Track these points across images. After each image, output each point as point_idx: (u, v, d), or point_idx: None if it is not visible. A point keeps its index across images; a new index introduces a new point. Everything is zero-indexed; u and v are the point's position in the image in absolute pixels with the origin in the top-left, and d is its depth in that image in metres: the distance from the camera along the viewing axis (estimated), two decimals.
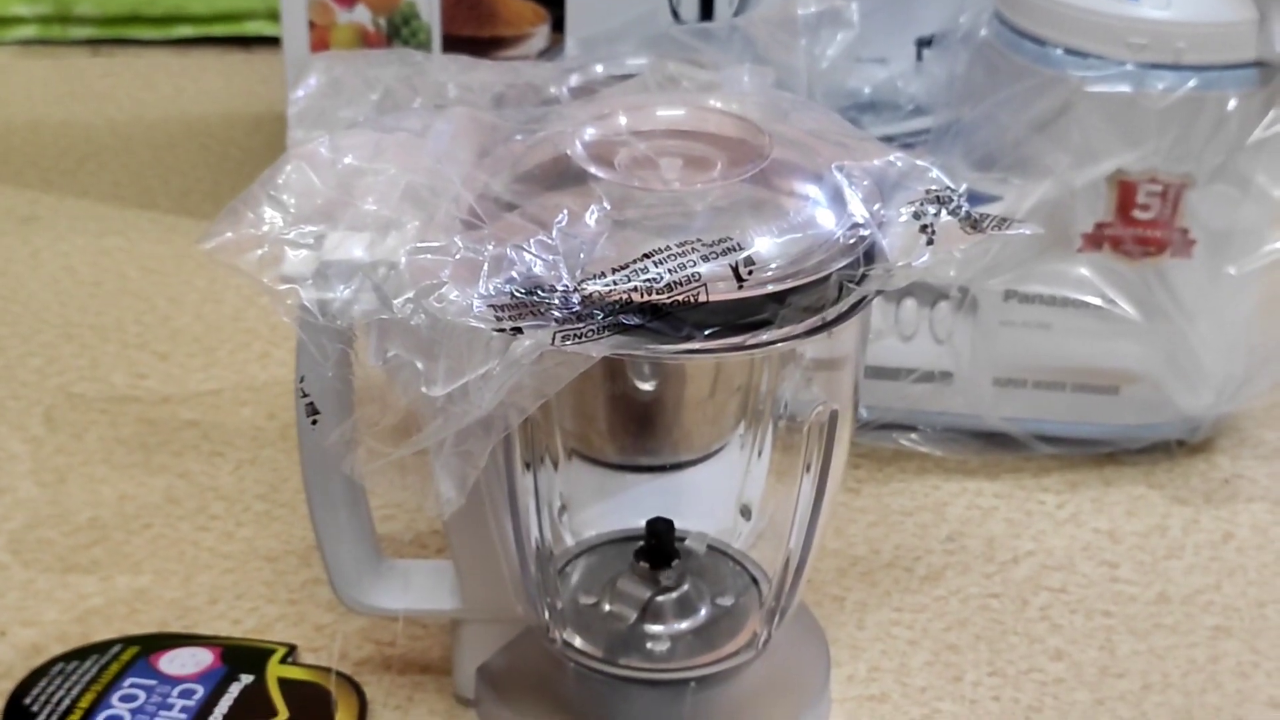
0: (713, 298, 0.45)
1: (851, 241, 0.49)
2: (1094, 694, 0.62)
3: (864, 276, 0.48)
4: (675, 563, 0.57)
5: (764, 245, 0.47)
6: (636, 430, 0.55)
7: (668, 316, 0.45)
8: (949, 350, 0.73)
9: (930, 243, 0.49)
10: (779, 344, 0.48)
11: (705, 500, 0.59)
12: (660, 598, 0.57)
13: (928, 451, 0.75)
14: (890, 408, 0.74)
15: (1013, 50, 0.71)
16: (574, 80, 0.65)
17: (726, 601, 0.58)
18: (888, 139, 0.80)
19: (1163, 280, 0.71)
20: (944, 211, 0.49)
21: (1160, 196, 0.69)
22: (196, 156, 1.06)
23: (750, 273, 0.46)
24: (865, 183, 0.51)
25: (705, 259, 0.46)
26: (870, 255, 0.49)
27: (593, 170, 0.49)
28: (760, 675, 0.57)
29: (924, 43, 0.88)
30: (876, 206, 0.50)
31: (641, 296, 0.45)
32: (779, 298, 0.47)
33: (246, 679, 0.58)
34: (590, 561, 0.60)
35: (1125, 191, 0.70)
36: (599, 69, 0.66)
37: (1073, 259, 0.71)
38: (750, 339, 0.47)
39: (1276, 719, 0.61)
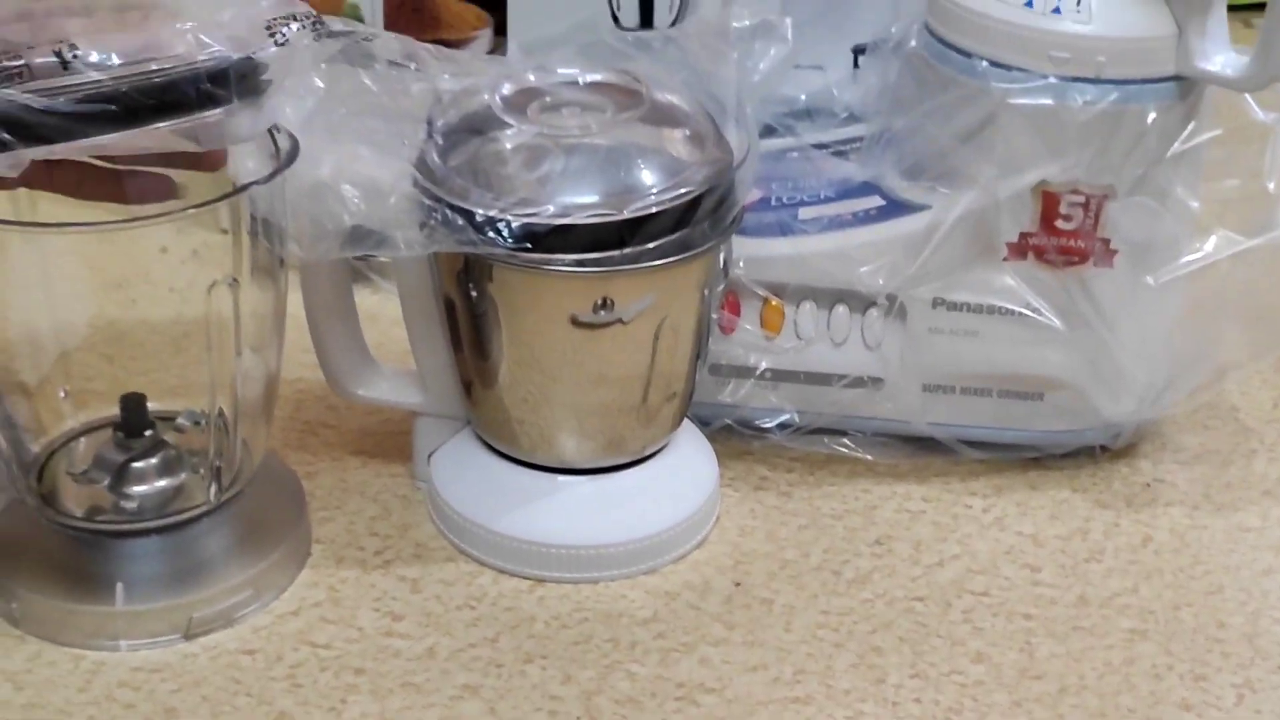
0: None
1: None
2: (1012, 696, 0.64)
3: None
4: (148, 434, 0.67)
5: None
6: None
7: None
8: (879, 356, 0.75)
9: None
10: None
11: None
12: (136, 463, 0.66)
13: (859, 456, 0.76)
14: (822, 413, 0.76)
15: (940, 61, 0.73)
16: (507, 89, 0.67)
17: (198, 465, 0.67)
18: (821, 145, 0.82)
19: (1085, 289, 0.72)
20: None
21: (1082, 207, 0.71)
22: None
23: None
24: None
25: None
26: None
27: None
28: (226, 523, 0.67)
29: (859, 50, 0.90)
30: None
31: None
32: None
33: None
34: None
35: (1049, 202, 0.71)
36: (531, 78, 0.68)
37: (999, 268, 0.73)
38: None
39: None
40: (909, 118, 0.75)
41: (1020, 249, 0.72)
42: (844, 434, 0.77)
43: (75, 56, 0.55)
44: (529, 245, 0.61)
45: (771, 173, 0.79)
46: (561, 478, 0.69)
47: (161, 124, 0.56)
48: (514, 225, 0.61)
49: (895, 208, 0.74)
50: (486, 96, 0.66)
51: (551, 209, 0.61)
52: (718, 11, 0.90)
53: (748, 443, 0.77)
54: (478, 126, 0.65)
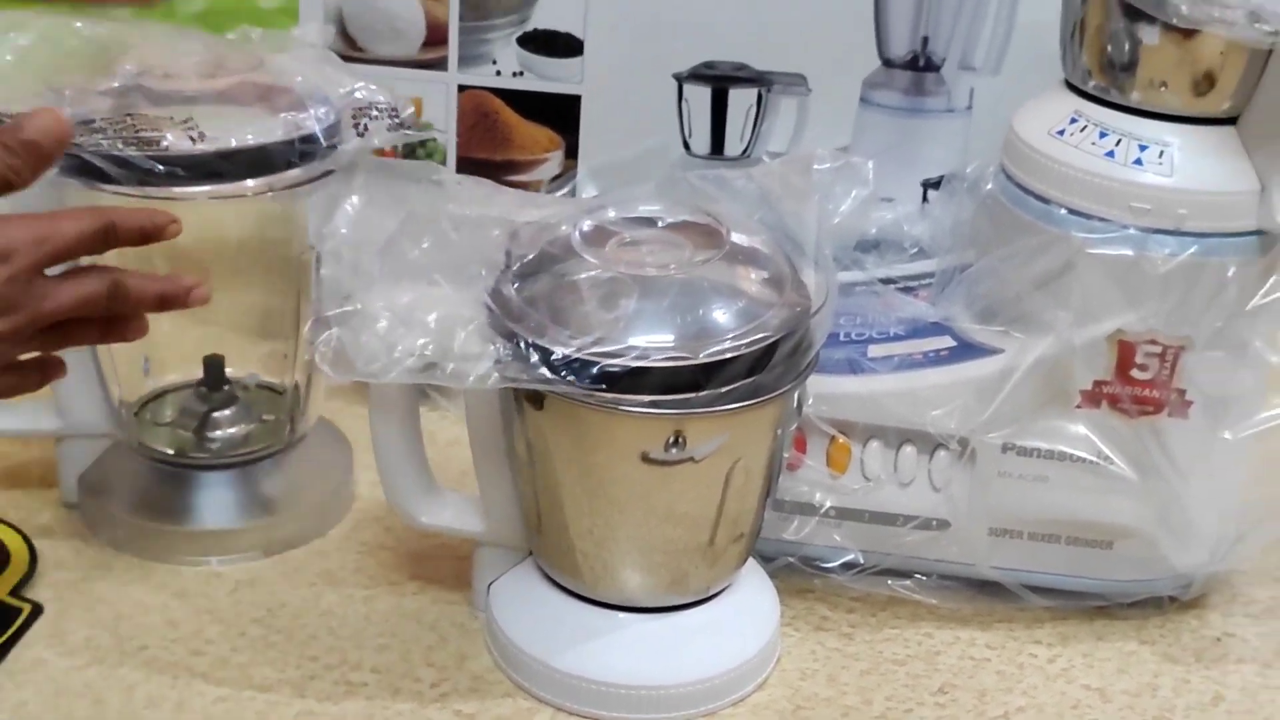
0: None
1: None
2: None
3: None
4: (225, 388, 0.80)
5: None
6: None
7: None
8: (946, 498, 0.74)
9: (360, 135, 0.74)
10: None
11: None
12: (215, 413, 0.80)
13: (922, 599, 0.75)
14: (887, 553, 0.75)
15: (1017, 205, 0.72)
16: (587, 225, 0.66)
17: (268, 417, 0.81)
18: (888, 280, 0.82)
19: (1159, 439, 0.71)
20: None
21: (1159, 358, 0.70)
22: None
23: None
24: None
25: None
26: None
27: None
28: (291, 464, 0.80)
29: (930, 185, 0.90)
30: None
31: None
32: None
33: None
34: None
35: (1124, 351, 0.70)
36: (611, 213, 0.68)
37: (1071, 415, 0.72)
38: None
39: None
40: (983, 260, 0.74)
41: (1094, 397, 0.71)
42: (908, 576, 0.75)
43: (202, 135, 0.69)
44: (604, 385, 0.61)
45: (840, 306, 0.78)
46: (624, 615, 0.68)
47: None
48: (590, 366, 0.60)
49: (967, 349, 0.74)
50: (565, 229, 0.66)
51: (629, 352, 0.61)
52: (787, 144, 0.91)
53: (810, 581, 0.75)
54: (555, 261, 0.65)
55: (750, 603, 0.71)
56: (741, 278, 0.65)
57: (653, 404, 0.61)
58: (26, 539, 0.76)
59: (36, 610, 0.72)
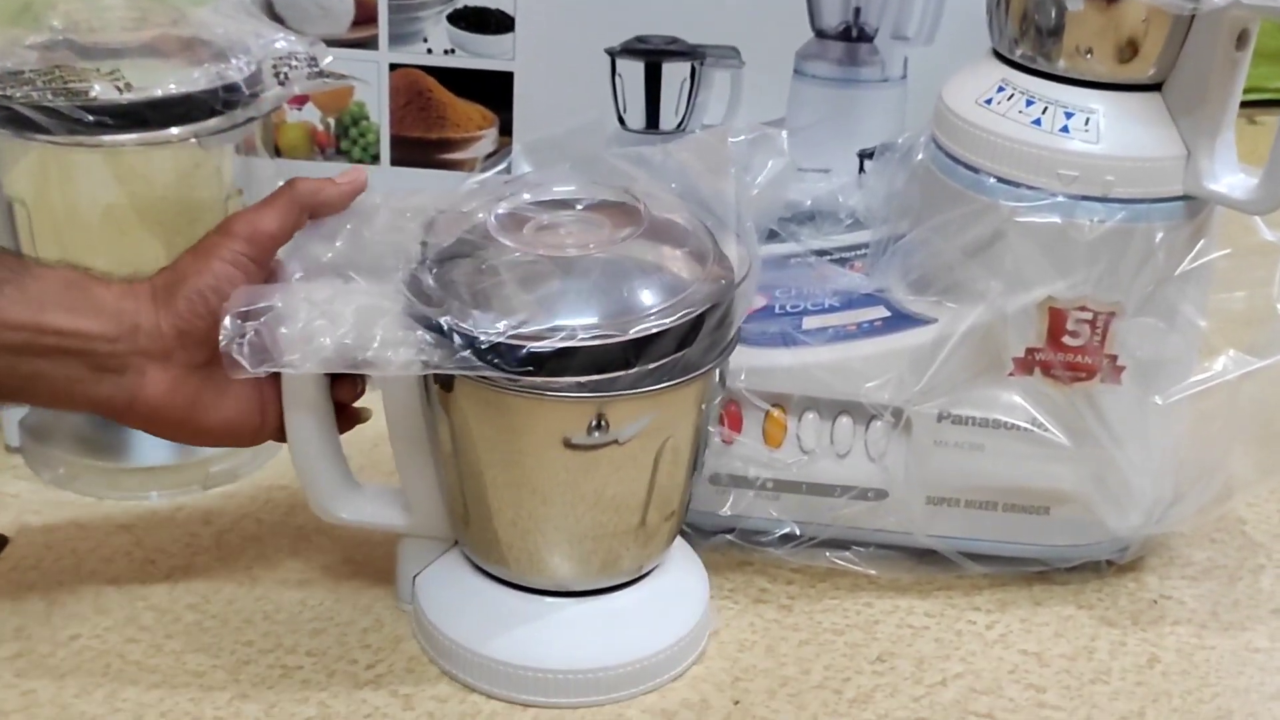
0: None
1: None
2: None
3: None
4: None
5: None
6: None
7: None
8: (882, 469, 0.74)
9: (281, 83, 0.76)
10: None
11: None
12: None
13: (861, 570, 0.75)
14: (825, 525, 0.75)
15: (947, 175, 0.72)
16: (502, 209, 0.66)
17: None
18: (823, 252, 0.82)
19: (1092, 405, 0.72)
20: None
21: (1090, 324, 0.70)
22: None
23: None
24: None
25: None
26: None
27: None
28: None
29: (866, 155, 0.89)
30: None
31: None
32: None
33: None
34: None
35: (1056, 318, 0.71)
36: (526, 197, 0.67)
37: (1005, 383, 0.72)
38: None
39: None
40: (916, 231, 0.74)
41: (1026, 364, 0.72)
42: (846, 547, 0.76)
43: (129, 86, 0.72)
44: (530, 368, 0.60)
45: (774, 279, 0.78)
46: (555, 600, 0.68)
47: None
48: (516, 349, 0.60)
49: (901, 320, 0.74)
50: (481, 217, 0.65)
51: (556, 332, 0.60)
52: (723, 117, 0.91)
53: (748, 554, 0.76)
54: (473, 248, 0.64)
55: (680, 579, 0.71)
56: (663, 254, 0.65)
57: (579, 386, 0.61)
58: None
59: (1, 542, 0.74)
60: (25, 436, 0.82)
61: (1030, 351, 0.71)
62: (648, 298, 0.62)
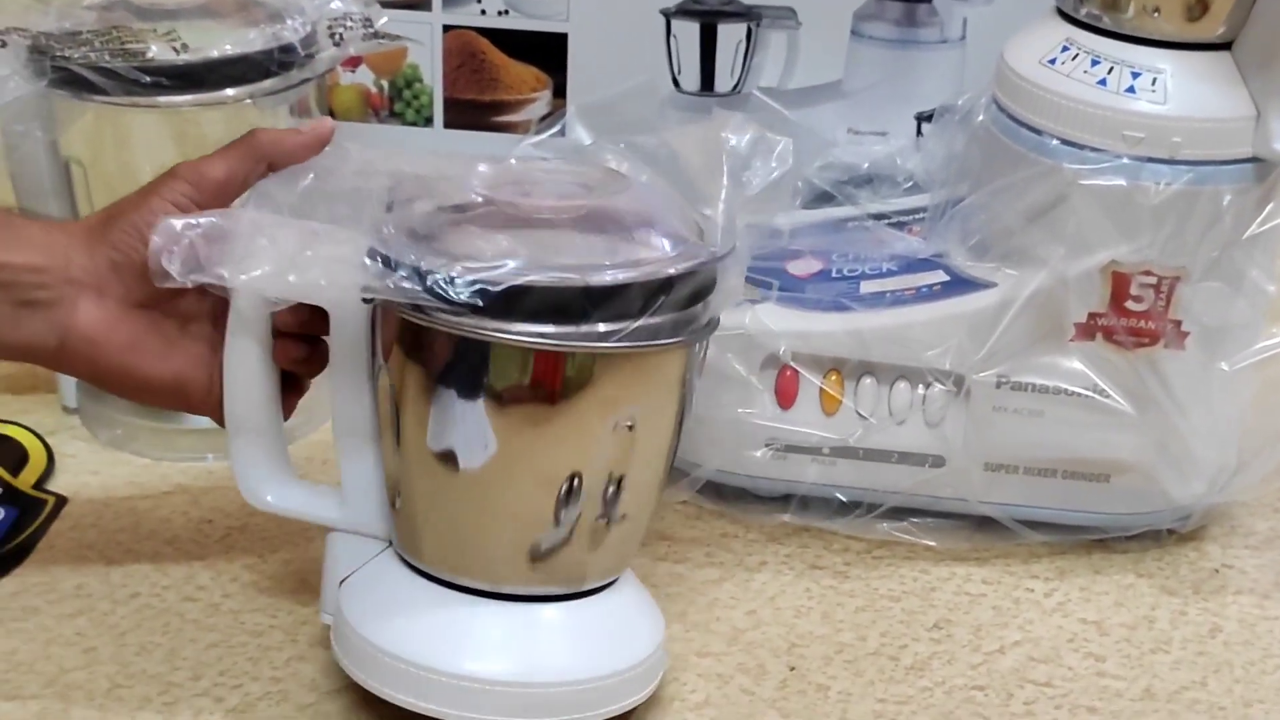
0: None
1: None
2: None
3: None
4: None
5: None
6: None
7: None
8: (940, 435, 0.73)
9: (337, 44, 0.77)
10: None
11: None
12: None
13: (919, 540, 0.75)
14: (882, 492, 0.74)
15: (1009, 137, 0.71)
16: (483, 168, 0.63)
17: None
18: (881, 215, 0.81)
19: (1155, 371, 0.71)
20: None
21: (1154, 289, 0.69)
22: None
23: None
24: None
25: None
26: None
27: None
28: None
29: (924, 118, 0.88)
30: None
31: None
32: None
33: None
34: None
35: (1119, 283, 0.70)
36: (512, 162, 0.65)
37: (1066, 349, 0.71)
38: None
39: None
40: (975, 194, 0.73)
41: (1089, 330, 0.71)
42: (904, 517, 0.75)
43: (185, 46, 0.73)
44: (480, 305, 0.56)
45: (831, 243, 0.78)
46: (483, 601, 0.61)
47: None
48: (465, 282, 0.56)
49: (960, 284, 0.73)
50: (459, 175, 0.62)
51: (510, 270, 0.56)
52: (779, 79, 0.89)
53: (806, 520, 0.75)
54: (441, 197, 0.61)
55: (632, 604, 0.65)
56: (641, 218, 0.61)
57: (533, 335, 0.56)
58: (41, 438, 0.79)
59: (61, 502, 0.75)
60: (83, 397, 0.83)
61: (1092, 316, 0.70)
62: (614, 254, 0.58)
